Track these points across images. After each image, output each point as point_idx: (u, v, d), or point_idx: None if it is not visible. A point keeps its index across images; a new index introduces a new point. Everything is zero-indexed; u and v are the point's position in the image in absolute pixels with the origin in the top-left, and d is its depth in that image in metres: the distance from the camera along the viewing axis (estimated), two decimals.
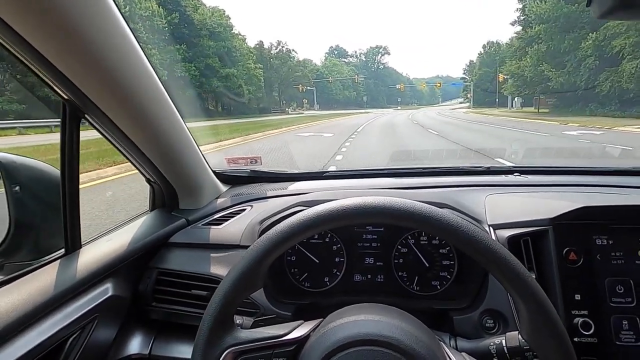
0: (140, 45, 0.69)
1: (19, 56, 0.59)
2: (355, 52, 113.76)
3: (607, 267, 0.83)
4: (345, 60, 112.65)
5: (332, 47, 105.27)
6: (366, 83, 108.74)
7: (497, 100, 52.72)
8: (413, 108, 78.37)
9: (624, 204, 0.88)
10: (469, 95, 68.47)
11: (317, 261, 0.98)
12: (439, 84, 64.35)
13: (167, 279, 0.94)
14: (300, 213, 0.59)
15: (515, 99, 48.61)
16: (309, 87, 71.00)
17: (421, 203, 0.56)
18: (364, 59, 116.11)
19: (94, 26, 0.60)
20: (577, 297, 0.83)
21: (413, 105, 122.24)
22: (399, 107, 66.38)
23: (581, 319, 0.81)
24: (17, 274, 0.70)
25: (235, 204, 1.16)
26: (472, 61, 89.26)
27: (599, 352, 0.78)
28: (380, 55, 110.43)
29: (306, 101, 67.94)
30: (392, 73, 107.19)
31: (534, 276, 0.79)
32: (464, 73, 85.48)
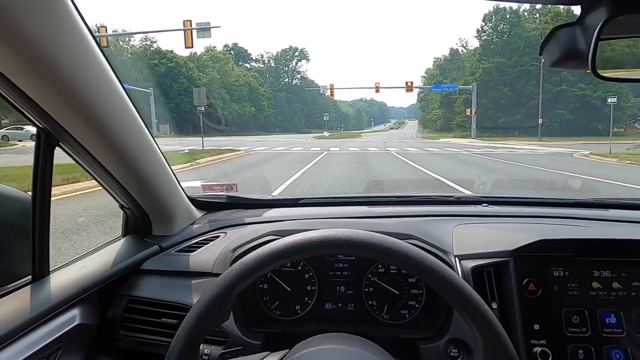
0: (115, 73, 0.86)
1: None
2: (262, 56, 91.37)
3: (563, 298, 0.99)
4: (247, 65, 61.80)
5: (227, 45, 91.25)
6: (276, 97, 79.52)
7: (539, 121, 27.87)
8: (350, 136, 50.76)
9: (579, 237, 1.07)
10: (472, 112, 39.02)
11: (289, 289, 1.14)
12: (410, 84, 38.51)
13: (137, 306, 1.08)
14: (266, 245, 0.69)
15: None
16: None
17: (382, 235, 0.68)
18: (274, 65, 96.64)
19: (68, 56, 0.72)
20: (536, 327, 0.96)
21: (339, 130, 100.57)
22: (325, 132, 48.96)
23: (540, 349, 0.93)
24: None
25: (210, 231, 1.32)
26: (460, 48, 41.40)
27: None
28: (295, 60, 65.83)
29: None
30: (312, 87, 59.56)
31: (495, 306, 1.00)
32: (423, 82, 32.51)
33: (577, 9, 0.59)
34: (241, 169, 11.69)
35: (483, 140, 33.89)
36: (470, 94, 41.51)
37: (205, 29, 18.50)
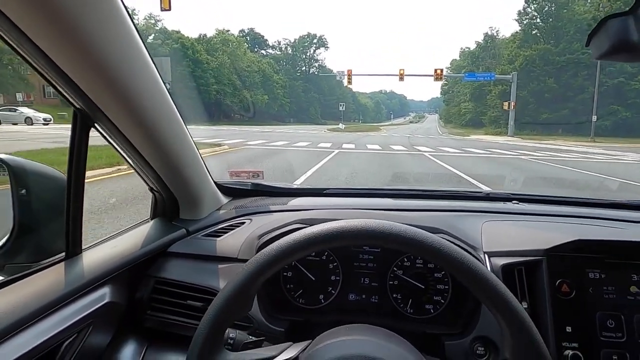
0: (152, 58, 0.90)
1: (35, 65, 0.76)
2: (279, 43, 61.62)
3: (598, 301, 0.98)
4: (262, 51, 57.01)
5: (243, 30, 51.21)
6: (292, 86, 73.65)
7: (593, 118, 24.05)
8: (367, 129, 46.31)
9: (617, 239, 1.06)
10: (511, 106, 32.54)
11: (313, 278, 1.16)
12: (440, 72, 33.50)
13: (164, 288, 1.14)
14: (290, 235, 0.69)
15: None
16: None
17: (412, 227, 0.68)
18: (291, 52, 57.92)
19: (109, 39, 0.76)
20: (568, 329, 0.96)
21: (356, 122, 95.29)
22: (341, 125, 45.49)
23: (571, 352, 0.93)
24: (16, 275, 0.89)
25: (236, 217, 1.37)
26: (490, 33, 35.26)
27: None
28: (313, 48, 58.71)
29: None
30: (331, 77, 53.99)
31: (525, 306, 1.01)
32: (450, 70, 26.50)
33: None
34: None
35: (523, 138, 29.24)
36: (507, 85, 36.43)
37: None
